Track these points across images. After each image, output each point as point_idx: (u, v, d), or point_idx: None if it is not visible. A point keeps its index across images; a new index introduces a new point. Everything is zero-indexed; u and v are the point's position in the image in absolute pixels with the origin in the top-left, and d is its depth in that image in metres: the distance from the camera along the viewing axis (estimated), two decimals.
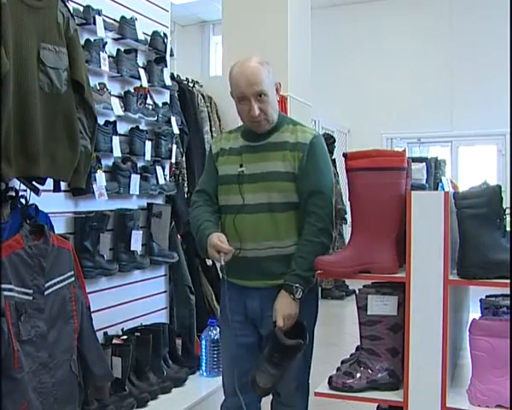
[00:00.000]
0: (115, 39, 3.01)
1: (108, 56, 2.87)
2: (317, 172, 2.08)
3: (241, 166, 2.11)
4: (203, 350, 3.22)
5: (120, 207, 2.99)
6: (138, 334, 2.96)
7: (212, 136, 4.00)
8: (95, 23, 2.75)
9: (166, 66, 3.34)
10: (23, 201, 2.25)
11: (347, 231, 6.66)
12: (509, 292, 1.91)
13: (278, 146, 2.10)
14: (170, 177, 3.44)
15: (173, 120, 3.37)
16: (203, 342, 3.23)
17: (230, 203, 2.13)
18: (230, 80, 2.08)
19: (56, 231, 2.37)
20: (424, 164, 2.37)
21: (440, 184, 2.50)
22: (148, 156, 3.15)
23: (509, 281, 1.75)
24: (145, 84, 3.12)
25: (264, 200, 2.08)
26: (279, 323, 2.00)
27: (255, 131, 2.12)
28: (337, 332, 5.45)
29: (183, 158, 3.73)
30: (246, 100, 2.04)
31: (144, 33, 3.18)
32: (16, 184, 2.22)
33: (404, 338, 1.87)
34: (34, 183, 2.24)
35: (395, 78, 8.60)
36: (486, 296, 2.26)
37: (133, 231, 2.95)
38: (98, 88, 2.79)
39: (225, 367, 2.26)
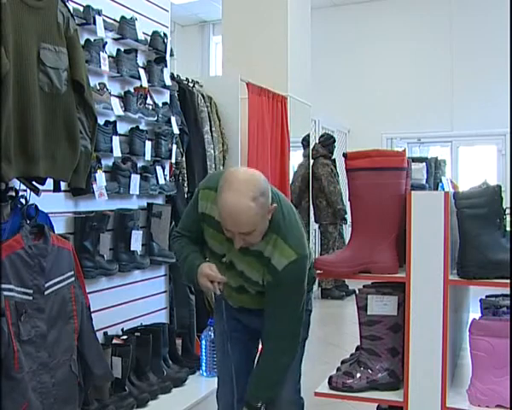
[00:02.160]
0: (115, 39, 3.01)
1: (108, 56, 2.87)
2: (275, 314, 1.94)
3: (224, 255, 2.01)
4: (203, 350, 3.22)
5: (120, 207, 2.99)
6: (138, 334, 2.96)
7: (211, 136, 4.00)
8: (95, 23, 2.75)
9: (166, 66, 3.34)
10: (23, 201, 2.24)
11: (347, 231, 6.66)
12: (509, 292, 1.91)
13: (258, 256, 1.94)
14: (170, 177, 3.43)
15: (173, 120, 3.37)
16: (203, 342, 3.23)
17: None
18: (217, 201, 1.84)
19: (56, 231, 2.37)
20: (424, 164, 2.38)
21: (440, 184, 2.51)
22: (148, 156, 3.15)
23: (509, 281, 1.75)
24: (145, 84, 3.12)
25: (244, 288, 2.03)
26: None
27: None
28: (337, 332, 5.44)
29: (183, 158, 3.73)
30: (231, 232, 1.86)
31: (144, 33, 3.18)
32: (16, 184, 2.22)
33: (404, 338, 1.87)
34: (34, 183, 2.23)
35: (395, 78, 8.59)
36: (486, 296, 2.26)
37: (133, 231, 2.95)
38: (98, 88, 2.79)
39: (220, 365, 2.28)
